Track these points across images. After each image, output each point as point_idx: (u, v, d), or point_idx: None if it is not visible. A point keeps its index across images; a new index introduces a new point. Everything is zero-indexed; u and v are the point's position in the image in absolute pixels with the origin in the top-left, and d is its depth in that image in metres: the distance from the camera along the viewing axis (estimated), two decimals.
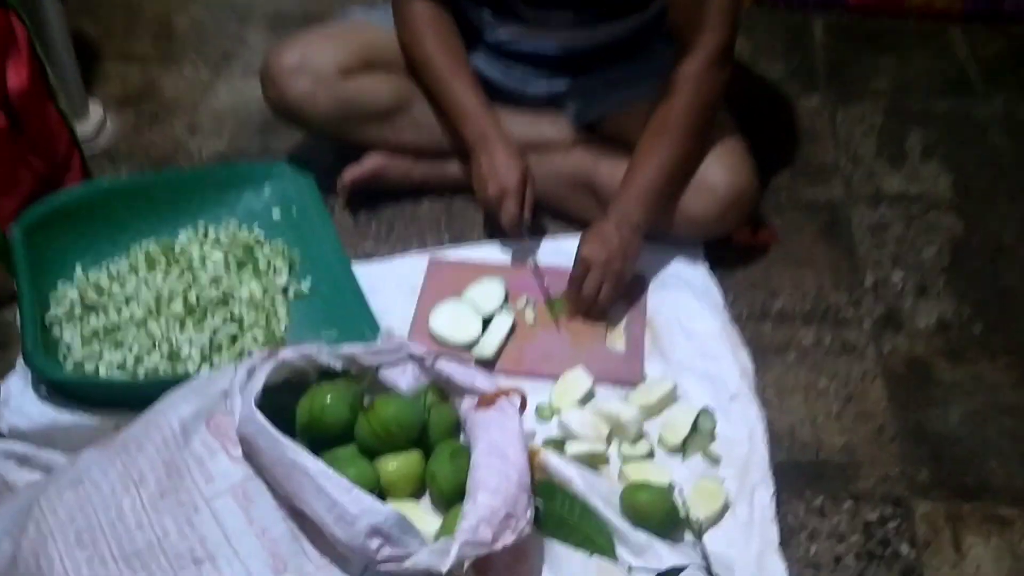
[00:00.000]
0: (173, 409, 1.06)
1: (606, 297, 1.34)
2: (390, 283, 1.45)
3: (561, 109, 1.55)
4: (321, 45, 1.47)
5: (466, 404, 1.19)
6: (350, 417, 1.15)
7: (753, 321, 1.40)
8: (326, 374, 1.18)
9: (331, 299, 1.40)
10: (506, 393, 1.16)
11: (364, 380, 1.21)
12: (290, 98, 1.46)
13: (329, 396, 1.14)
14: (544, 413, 1.27)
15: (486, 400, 1.16)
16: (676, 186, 1.38)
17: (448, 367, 1.20)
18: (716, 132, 1.40)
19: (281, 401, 1.15)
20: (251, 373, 1.09)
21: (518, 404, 1.16)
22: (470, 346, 1.33)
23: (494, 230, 1.49)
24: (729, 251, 1.47)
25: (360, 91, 1.48)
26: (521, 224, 1.41)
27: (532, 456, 1.16)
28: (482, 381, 1.18)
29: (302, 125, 1.52)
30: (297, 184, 1.55)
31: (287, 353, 1.13)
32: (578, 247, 1.35)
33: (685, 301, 1.41)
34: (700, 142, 1.38)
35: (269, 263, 1.44)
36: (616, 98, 1.49)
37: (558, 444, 1.22)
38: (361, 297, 1.38)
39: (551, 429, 1.25)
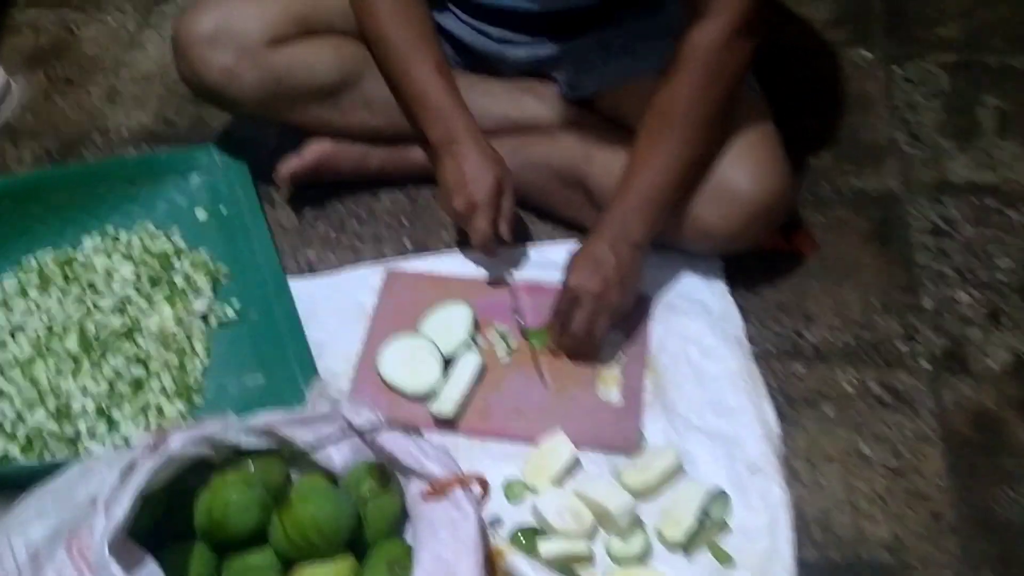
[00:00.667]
0: (22, 528, 0.84)
1: (599, 335, 1.08)
2: (336, 305, 1.20)
3: (548, 80, 1.25)
4: (244, 6, 1.18)
5: (414, 489, 0.95)
6: (261, 519, 0.91)
7: (782, 359, 1.14)
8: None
9: (261, 330, 1.16)
10: (462, 481, 0.92)
11: (286, 458, 0.98)
12: (207, 75, 1.18)
13: (234, 493, 0.91)
14: (514, 491, 1.03)
15: (437, 489, 0.93)
16: (686, 190, 1.10)
17: (392, 442, 0.96)
18: (739, 117, 1.11)
19: (181, 485, 0.92)
20: (126, 475, 0.86)
21: (477, 494, 0.93)
22: (427, 396, 1.09)
23: (464, 241, 1.22)
24: (755, 261, 1.19)
25: (295, 64, 1.19)
26: (494, 243, 1.15)
27: (494, 560, 0.94)
28: (433, 463, 0.94)
29: (226, 107, 1.25)
30: (228, 174, 1.29)
31: (179, 441, 0.90)
32: (565, 272, 1.09)
33: (697, 331, 1.15)
34: (716, 133, 1.09)
35: (188, 280, 1.19)
36: (616, 68, 1.19)
37: (530, 536, 0.99)
38: (297, 328, 1.14)
39: (523, 513, 1.01)
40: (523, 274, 1.21)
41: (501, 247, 1.16)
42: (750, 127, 1.11)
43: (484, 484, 0.94)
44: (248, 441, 0.95)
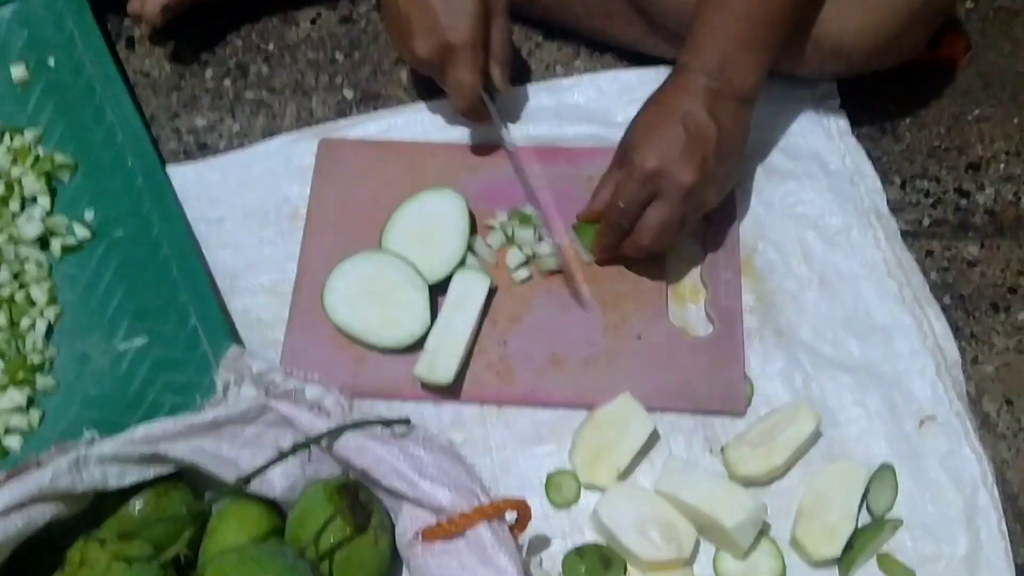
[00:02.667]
0: None
1: (674, 238, 0.72)
2: (247, 204, 0.83)
3: None
4: None
5: (407, 520, 0.62)
6: None
7: (943, 237, 0.79)
8: None
9: (132, 255, 0.79)
10: (488, 512, 0.59)
11: (193, 482, 0.64)
12: None
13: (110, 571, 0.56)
14: (561, 490, 0.70)
15: (446, 528, 0.60)
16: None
17: (362, 452, 0.62)
18: None
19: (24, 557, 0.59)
20: None
21: (507, 531, 0.60)
22: (409, 348, 0.73)
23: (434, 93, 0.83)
24: (879, 82, 0.82)
25: None
26: (483, 101, 0.76)
27: None
28: (436, 481, 0.61)
29: None
30: (55, 3, 0.86)
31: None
32: (632, 141, 0.71)
33: (815, 205, 0.80)
34: None
35: (10, 183, 0.80)
36: None
37: (592, 561, 0.66)
38: (189, 249, 0.77)
39: (575, 524, 0.69)
40: (537, 131, 0.83)
41: (494, 104, 0.78)
42: None
43: (524, 511, 0.61)
44: (122, 476, 0.61)
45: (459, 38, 0.73)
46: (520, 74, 0.86)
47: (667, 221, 0.69)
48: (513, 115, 0.83)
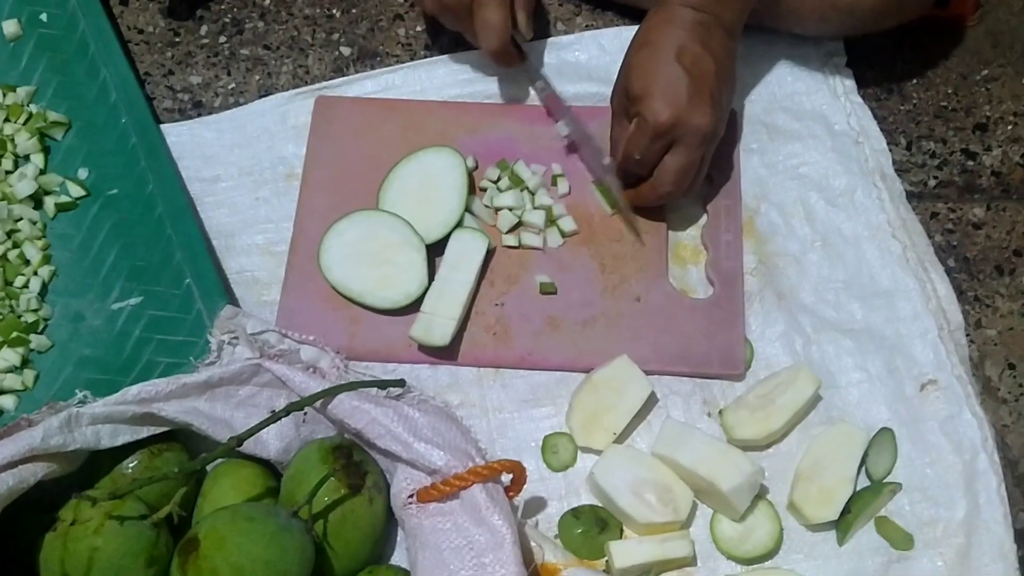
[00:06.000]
0: None
1: (694, 186, 0.72)
2: (242, 162, 0.82)
3: None
4: None
5: (402, 480, 0.62)
6: (151, 572, 0.58)
7: (949, 200, 0.78)
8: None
9: (127, 214, 0.78)
10: (482, 474, 0.59)
11: (187, 442, 0.64)
12: None
13: (101, 538, 0.57)
14: (557, 452, 0.70)
15: (439, 490, 0.59)
16: None
17: (356, 415, 0.62)
18: None
19: (14, 522, 0.59)
20: None
21: (501, 492, 0.60)
22: (404, 309, 0.72)
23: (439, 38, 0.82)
24: (886, 40, 0.81)
25: None
26: (513, 44, 0.75)
27: None
28: (429, 443, 0.60)
29: None
30: None
31: None
32: (633, 91, 0.69)
33: (818, 165, 0.79)
34: None
35: (5, 143, 0.79)
36: None
37: (588, 522, 0.66)
38: (184, 209, 0.76)
39: (572, 487, 0.68)
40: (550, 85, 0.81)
41: (523, 49, 0.77)
42: None
43: (518, 472, 0.61)
44: (114, 435, 0.60)
45: None
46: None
47: (688, 165, 0.69)
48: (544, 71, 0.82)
